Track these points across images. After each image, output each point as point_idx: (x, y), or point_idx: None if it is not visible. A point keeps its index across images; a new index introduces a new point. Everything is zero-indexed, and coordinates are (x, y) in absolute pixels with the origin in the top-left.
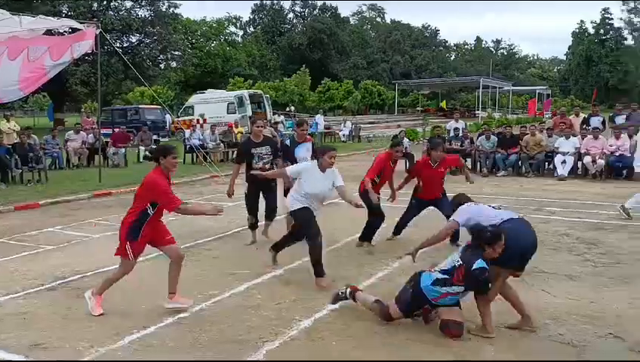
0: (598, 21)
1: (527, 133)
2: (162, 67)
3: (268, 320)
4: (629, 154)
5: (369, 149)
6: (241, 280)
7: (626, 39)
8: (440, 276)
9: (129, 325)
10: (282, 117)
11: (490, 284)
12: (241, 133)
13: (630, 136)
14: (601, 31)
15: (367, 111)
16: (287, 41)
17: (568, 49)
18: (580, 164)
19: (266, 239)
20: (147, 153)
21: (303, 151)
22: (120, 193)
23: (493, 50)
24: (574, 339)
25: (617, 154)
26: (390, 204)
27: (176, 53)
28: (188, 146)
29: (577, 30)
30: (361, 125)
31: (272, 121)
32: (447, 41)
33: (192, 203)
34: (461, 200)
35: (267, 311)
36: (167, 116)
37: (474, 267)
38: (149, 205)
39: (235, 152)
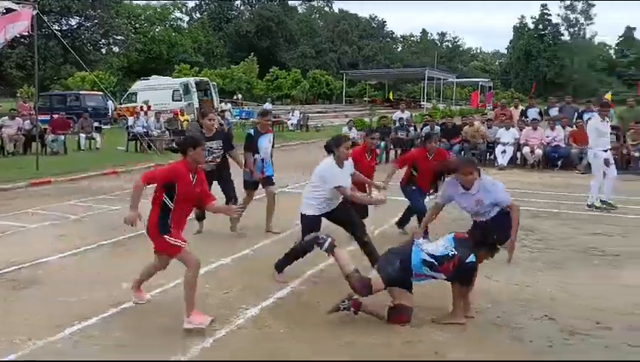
0: (537, 17)
1: (468, 124)
2: (104, 52)
3: (215, 309)
4: (563, 145)
5: (318, 139)
6: None
7: (562, 35)
8: (428, 258)
9: (70, 316)
10: (229, 105)
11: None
12: (187, 120)
13: (564, 127)
14: (540, 26)
15: (315, 101)
16: (235, 28)
17: (509, 43)
18: (519, 154)
19: (231, 233)
20: (173, 145)
21: (266, 142)
22: (60, 181)
23: (438, 42)
24: (512, 322)
25: (553, 145)
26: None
27: (119, 37)
28: (131, 134)
29: (518, 25)
30: (310, 114)
31: (219, 110)
32: (393, 33)
33: None
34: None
35: (215, 299)
36: (110, 102)
37: (468, 260)
38: (164, 196)
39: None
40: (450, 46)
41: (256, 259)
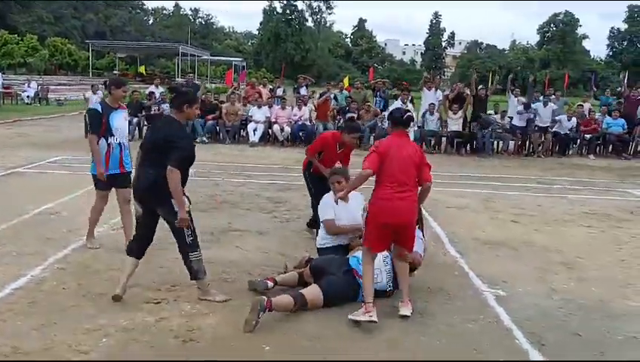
0: (284, 1)
1: (226, 102)
2: None
3: None
4: (309, 123)
5: (59, 114)
6: None
7: (307, 21)
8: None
9: None
10: None
11: None
12: None
13: (305, 104)
14: (288, 11)
15: (57, 72)
16: None
17: (260, 25)
18: (270, 131)
19: None
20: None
21: (120, 120)
22: None
23: (191, 18)
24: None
25: (300, 123)
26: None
27: None
28: None
29: (267, 8)
30: (51, 86)
31: None
32: (144, 4)
33: None
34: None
35: None
36: None
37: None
38: None
39: None
40: (204, 23)
41: None
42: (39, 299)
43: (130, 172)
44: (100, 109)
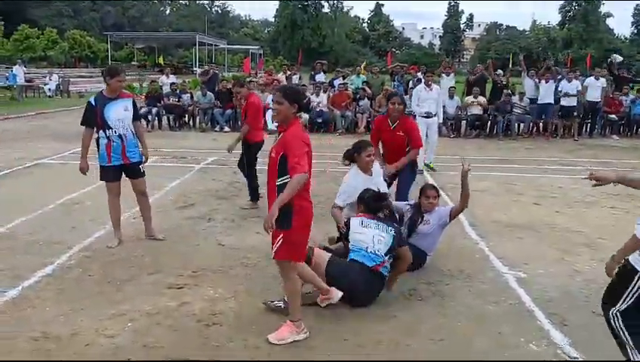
0: None
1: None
2: None
3: None
4: (325, 110)
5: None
6: None
7: (323, 7)
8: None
9: None
10: None
11: None
12: None
13: (325, 91)
14: None
15: (77, 64)
16: None
17: (276, 12)
18: None
19: None
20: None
21: (120, 110)
22: None
23: (208, 7)
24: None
25: (318, 109)
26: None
27: None
28: None
29: None
30: (71, 79)
31: None
32: None
33: None
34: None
35: None
36: None
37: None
38: None
39: None
40: (220, 12)
41: (13, 238)
42: (66, 286)
43: (139, 162)
44: (93, 102)
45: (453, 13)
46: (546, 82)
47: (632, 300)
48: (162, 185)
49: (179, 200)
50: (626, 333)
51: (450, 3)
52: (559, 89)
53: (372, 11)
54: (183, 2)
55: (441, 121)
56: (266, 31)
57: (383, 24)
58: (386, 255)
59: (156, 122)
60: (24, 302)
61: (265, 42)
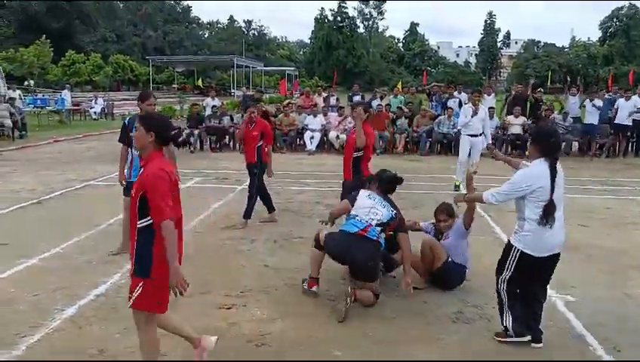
0: (335, 9)
1: (282, 113)
2: None
3: (23, 314)
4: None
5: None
6: None
7: (358, 27)
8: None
9: None
10: (18, 92)
11: None
12: None
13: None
14: (338, 18)
15: (120, 88)
16: (21, 6)
17: (312, 34)
18: (325, 139)
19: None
20: None
21: None
22: None
23: (245, 30)
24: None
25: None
26: None
27: None
28: None
29: (319, 17)
30: (115, 102)
31: (7, 97)
32: (199, 19)
33: None
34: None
35: (22, 304)
36: None
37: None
38: None
39: None
40: (257, 34)
41: (68, 258)
42: (119, 304)
43: None
44: (126, 122)
45: (490, 30)
46: (591, 101)
47: (512, 269)
48: (206, 205)
49: (222, 221)
50: (506, 296)
51: (486, 21)
52: (615, 106)
53: (407, 31)
54: (221, 25)
55: (489, 142)
56: (301, 52)
57: (418, 43)
58: (377, 226)
59: (198, 144)
60: (81, 320)
61: (301, 63)
